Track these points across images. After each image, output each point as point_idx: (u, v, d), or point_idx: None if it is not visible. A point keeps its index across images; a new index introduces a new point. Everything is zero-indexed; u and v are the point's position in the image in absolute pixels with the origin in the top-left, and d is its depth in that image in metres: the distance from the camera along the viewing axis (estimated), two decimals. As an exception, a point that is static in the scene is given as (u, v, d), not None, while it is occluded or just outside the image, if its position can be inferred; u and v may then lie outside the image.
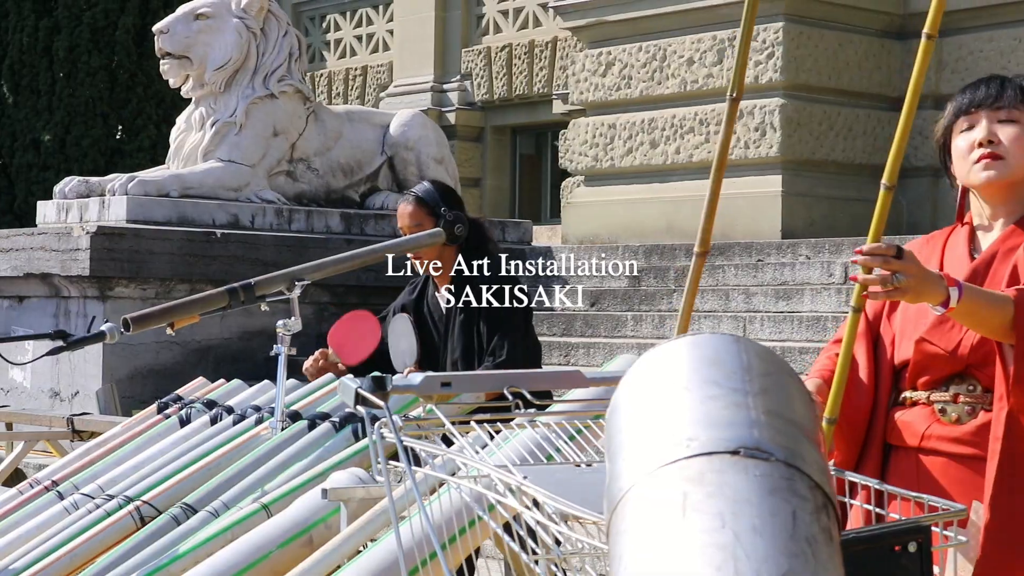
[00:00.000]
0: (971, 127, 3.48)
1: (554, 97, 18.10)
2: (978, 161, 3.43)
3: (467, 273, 5.57)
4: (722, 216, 13.40)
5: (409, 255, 5.67)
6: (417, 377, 3.19)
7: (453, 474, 3.01)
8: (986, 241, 3.48)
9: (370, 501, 4.30)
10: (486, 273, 5.60)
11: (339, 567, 3.86)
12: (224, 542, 4.40)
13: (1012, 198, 3.51)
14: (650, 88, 14.09)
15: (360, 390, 3.11)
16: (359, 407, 3.14)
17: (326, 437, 4.90)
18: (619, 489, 2.14)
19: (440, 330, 5.62)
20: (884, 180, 2.94)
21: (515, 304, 5.57)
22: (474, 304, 5.50)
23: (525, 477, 2.92)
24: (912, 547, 2.56)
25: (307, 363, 5.41)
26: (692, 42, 13.74)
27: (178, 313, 4.98)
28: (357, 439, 4.89)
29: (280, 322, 5.12)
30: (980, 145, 3.46)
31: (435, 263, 5.62)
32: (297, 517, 4.27)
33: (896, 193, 11.04)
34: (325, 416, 5.04)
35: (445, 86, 19.80)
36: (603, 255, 11.94)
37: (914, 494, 2.54)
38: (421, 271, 5.71)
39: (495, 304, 5.46)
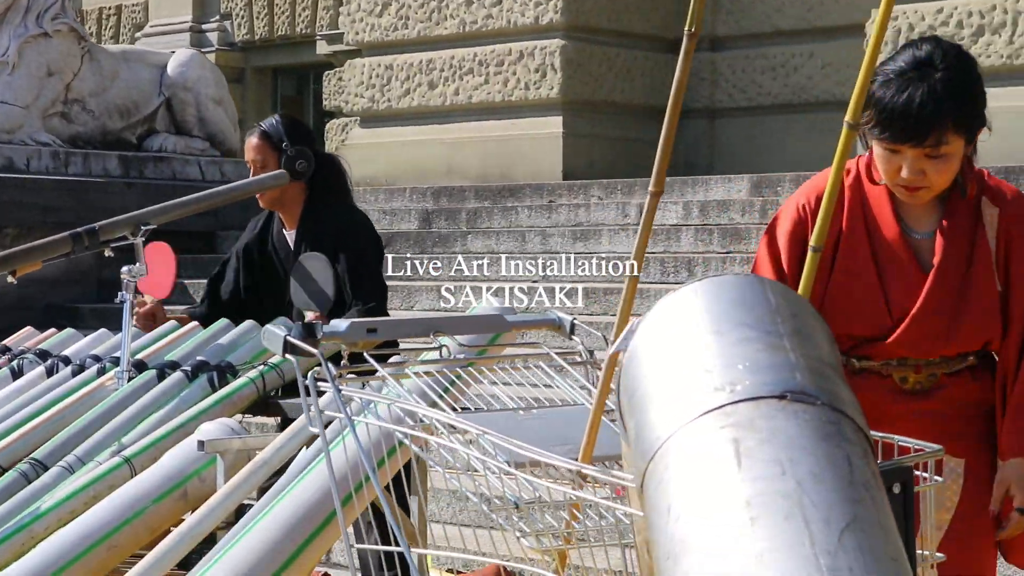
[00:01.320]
0: (896, 154, 3.35)
1: (318, 38, 17.84)
2: (903, 187, 3.36)
3: (317, 211, 5.41)
4: (504, 157, 13.39)
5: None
6: (343, 324, 3.06)
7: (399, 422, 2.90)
8: (917, 221, 3.45)
9: (246, 452, 4.16)
10: (337, 211, 5.45)
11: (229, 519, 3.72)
12: (88, 498, 4.21)
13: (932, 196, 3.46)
14: (428, 29, 13.97)
15: (290, 338, 2.98)
16: (288, 355, 3.00)
17: (178, 387, 4.72)
18: (655, 438, 2.07)
19: (287, 269, 5.45)
20: (847, 118, 2.89)
21: (369, 243, 5.44)
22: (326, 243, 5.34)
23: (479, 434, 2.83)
24: (896, 488, 2.53)
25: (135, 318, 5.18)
26: (472, -18, 13.66)
27: (19, 260, 4.75)
28: (213, 388, 4.72)
29: (124, 268, 4.93)
30: (905, 179, 3.37)
31: (280, 200, 5.45)
32: (170, 471, 4.10)
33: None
34: (174, 365, 4.85)
35: (204, 26, 19.39)
36: (389, 197, 11.81)
37: (897, 437, 2.52)
38: (262, 206, 5.52)
39: (348, 244, 5.32)
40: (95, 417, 4.66)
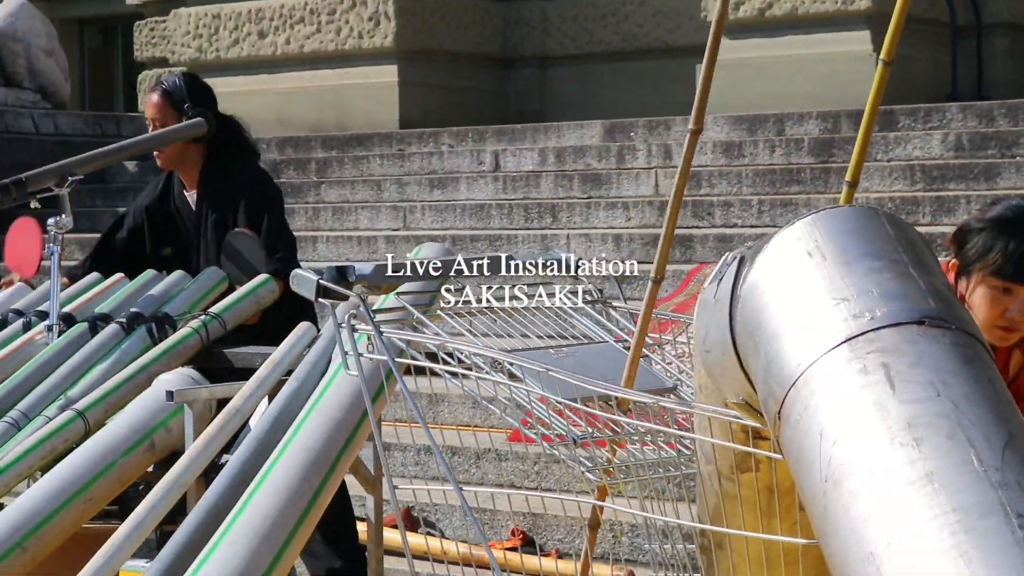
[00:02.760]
0: (1008, 293, 3.32)
1: (127, -13, 17.50)
2: (1002, 328, 3.33)
3: (215, 172, 5.37)
4: (338, 107, 13.30)
5: (155, 152, 5.43)
6: (368, 267, 3.07)
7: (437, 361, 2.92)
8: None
9: (211, 401, 4.15)
10: (237, 171, 5.41)
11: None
12: (44, 452, 4.15)
13: None
14: (256, -23, 13.82)
15: (323, 282, 2.99)
16: (321, 299, 3.01)
17: (115, 339, 4.66)
18: (795, 366, 2.14)
19: (189, 229, 5.40)
20: (882, 56, 2.96)
21: (275, 199, 5.42)
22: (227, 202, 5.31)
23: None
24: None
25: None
26: (300, -69, 13.53)
27: (-53, 213, 4.64)
28: (153, 339, 4.67)
29: (51, 220, 4.84)
30: (1009, 320, 3.35)
31: (179, 161, 5.39)
32: (136, 422, 4.07)
33: (503, 83, 11.16)
34: (105, 317, 4.79)
35: (7, -24, 18.87)
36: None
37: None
38: (160, 166, 5.46)
39: (254, 203, 5.29)
40: (31, 371, 4.58)
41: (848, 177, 2.90)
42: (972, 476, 1.92)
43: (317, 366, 4.20)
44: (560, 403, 2.71)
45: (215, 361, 4.63)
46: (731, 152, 9.34)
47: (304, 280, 3.03)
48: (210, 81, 14.25)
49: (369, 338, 2.98)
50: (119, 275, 5.15)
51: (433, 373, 2.94)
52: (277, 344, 4.60)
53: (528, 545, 6.15)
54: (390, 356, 2.90)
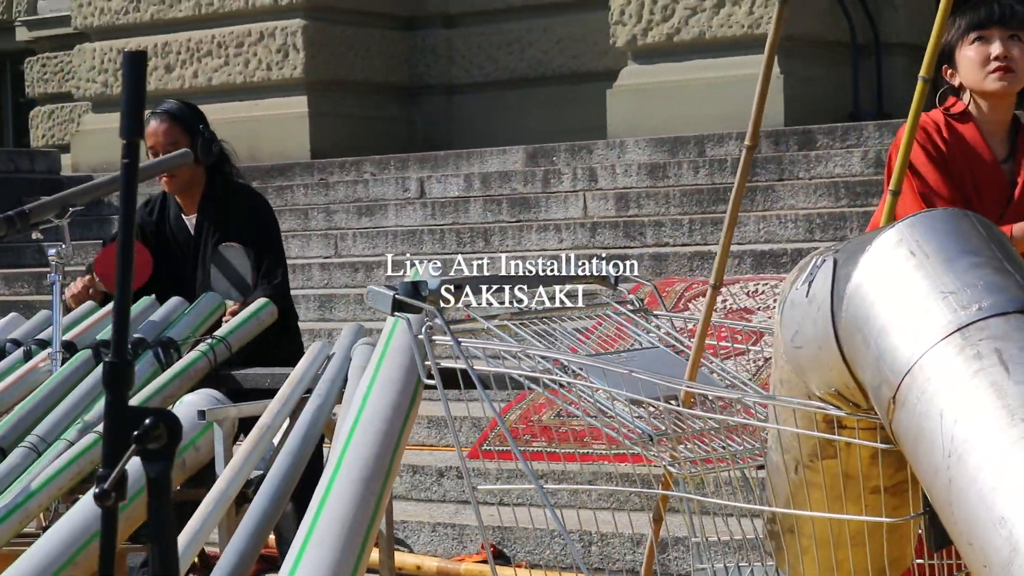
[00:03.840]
0: (985, 41, 4.02)
1: (17, 24, 17.45)
2: (994, 71, 4.00)
3: (216, 196, 5.51)
4: (248, 138, 13.46)
5: (164, 178, 5.53)
6: (436, 282, 3.25)
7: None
8: (998, 144, 3.96)
9: (236, 420, 4.30)
10: (239, 195, 5.55)
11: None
12: (73, 475, 4.29)
13: (1010, 104, 4.14)
14: (161, 11, 13.89)
15: (399, 296, 3.16)
16: (397, 313, 3.18)
17: (123, 364, 4.78)
18: (909, 356, 2.35)
19: (187, 252, 5.52)
20: (922, 73, 3.19)
21: (274, 225, 5.56)
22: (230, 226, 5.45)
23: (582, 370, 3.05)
24: None
25: (73, 290, 5.22)
26: (204, -37, 13.63)
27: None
28: (161, 364, 4.81)
29: (52, 250, 4.95)
30: (995, 59, 4.04)
31: (187, 185, 5.52)
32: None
33: (410, 112, 11.30)
34: (107, 344, 4.91)
35: None
36: (151, 181, 11.73)
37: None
38: (168, 191, 5.57)
39: (256, 227, 5.43)
40: (41, 398, 4.70)
41: (892, 187, 3.13)
42: (1087, 447, 2.14)
43: (335, 383, 4.38)
44: (646, 402, 2.91)
45: (223, 383, 4.78)
46: (656, 174, 9.60)
47: (380, 296, 3.20)
48: (117, 116, 14.38)
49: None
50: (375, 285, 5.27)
51: (499, 382, 3.12)
52: (268, 364, 4.78)
53: (499, 558, 6.32)
54: (468, 364, 3.07)
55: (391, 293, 3.19)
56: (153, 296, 5.17)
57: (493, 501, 6.82)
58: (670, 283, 7.73)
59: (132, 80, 1.62)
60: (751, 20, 11.28)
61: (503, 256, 8.88)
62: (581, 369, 3.06)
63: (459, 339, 3.11)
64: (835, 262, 2.56)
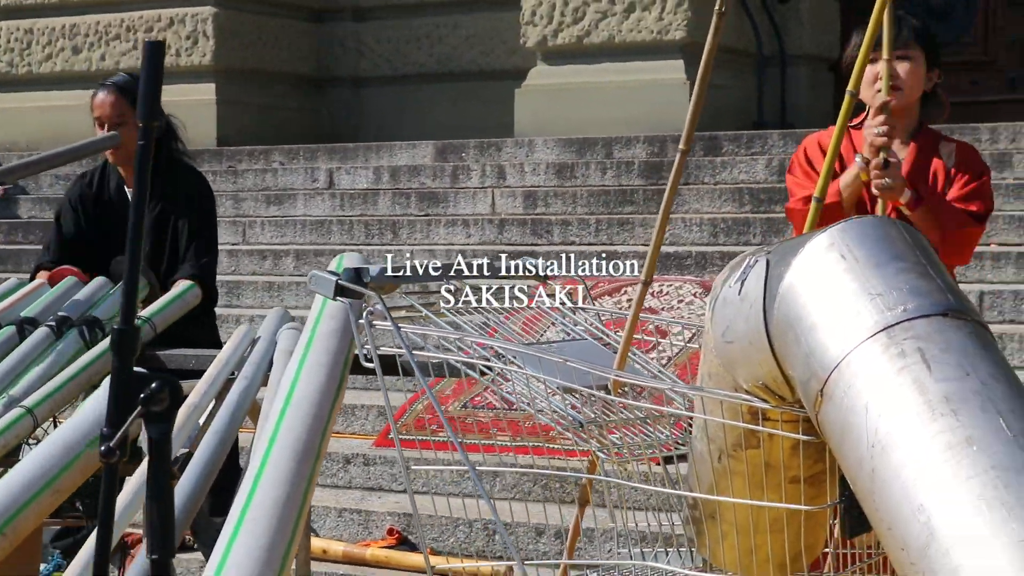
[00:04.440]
0: (875, 61, 4.18)
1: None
2: (880, 91, 4.09)
3: (160, 168, 5.57)
4: (159, 123, 13.38)
5: (109, 150, 5.59)
6: (375, 268, 3.36)
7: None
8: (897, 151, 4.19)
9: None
10: (182, 172, 5.63)
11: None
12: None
13: (906, 116, 4.32)
14: (71, -8, 13.86)
15: (341, 282, 3.27)
16: (339, 298, 3.29)
17: (47, 341, 4.86)
18: (837, 352, 2.51)
19: (124, 222, 5.57)
20: (849, 88, 3.35)
21: (212, 206, 5.64)
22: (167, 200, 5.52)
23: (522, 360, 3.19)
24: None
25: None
26: (117, -55, 13.62)
27: None
28: (85, 342, 4.88)
29: (-22, 226, 5.00)
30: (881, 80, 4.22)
31: (131, 157, 5.58)
32: (96, 417, 4.24)
33: (317, 103, 11.37)
34: (32, 321, 4.98)
35: None
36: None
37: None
38: (112, 161, 5.62)
39: (195, 205, 5.51)
40: (-38, 373, 4.75)
41: (816, 194, 3.30)
42: (1005, 440, 2.30)
43: (261, 366, 4.48)
44: (577, 390, 3.04)
45: (148, 363, 4.86)
46: (563, 173, 9.75)
47: (323, 280, 3.31)
48: (22, 95, 14.27)
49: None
50: (39, 281, 5.34)
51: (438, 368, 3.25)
52: (185, 344, 4.87)
53: (404, 543, 6.44)
54: (408, 350, 3.19)
55: (334, 278, 3.30)
56: (75, 278, 5.23)
57: (399, 488, 6.95)
58: (574, 282, 7.86)
59: (149, 68, 1.73)
60: (660, 26, 11.47)
61: (410, 249, 9.00)
62: (515, 357, 3.19)
63: (399, 325, 3.22)
64: (767, 263, 2.71)
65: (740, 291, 2.76)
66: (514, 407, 6.56)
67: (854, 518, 2.86)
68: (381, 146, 10.90)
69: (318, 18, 14.21)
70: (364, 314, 3.25)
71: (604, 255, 8.36)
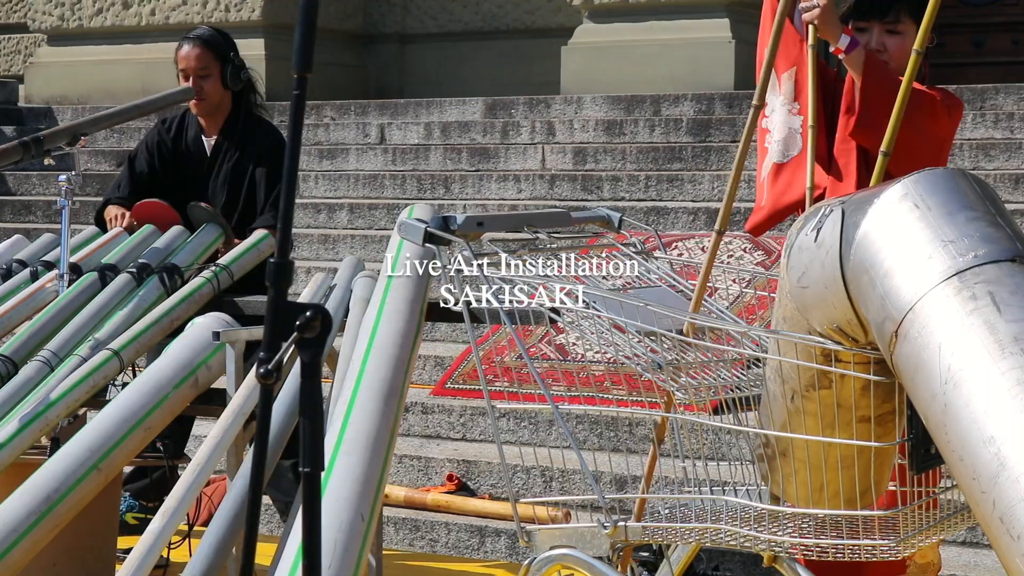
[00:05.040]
0: (864, 32, 4.28)
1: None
2: None
3: (238, 123, 5.75)
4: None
5: (193, 100, 5.76)
6: (461, 217, 3.53)
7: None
8: None
9: (253, 342, 4.57)
10: (261, 127, 5.80)
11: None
12: (88, 388, 4.55)
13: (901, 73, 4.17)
14: (121, -51, 14.01)
15: (430, 229, 3.45)
16: (428, 244, 3.47)
17: (128, 287, 5.05)
18: (912, 295, 2.69)
19: (201, 172, 5.75)
20: (915, 47, 3.48)
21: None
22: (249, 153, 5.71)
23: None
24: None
25: (113, 219, 5.50)
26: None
27: (-28, 166, 4.97)
28: (166, 288, 5.07)
29: (62, 176, 5.18)
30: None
31: (216, 107, 5.76)
32: (183, 360, 4.47)
33: (363, 59, 11.48)
34: (112, 268, 5.17)
35: None
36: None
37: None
38: (195, 112, 5.79)
39: (272, 160, 5.69)
40: (51, 315, 4.95)
41: (883, 148, 3.46)
42: (1071, 377, 2.47)
43: (338, 313, 4.67)
44: (659, 333, 3.22)
45: (225, 309, 5.04)
46: (612, 130, 9.90)
47: (412, 227, 3.49)
48: (72, 49, 14.49)
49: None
50: (118, 229, 5.53)
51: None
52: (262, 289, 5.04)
53: (462, 489, 6.62)
54: (493, 293, 3.37)
55: (423, 226, 3.48)
56: (152, 227, 5.43)
57: (456, 436, 7.14)
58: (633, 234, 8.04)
59: (305, 19, 1.90)
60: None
61: (463, 204, 9.17)
62: (595, 302, 3.37)
63: (485, 272, 3.40)
64: (843, 212, 2.88)
65: (816, 238, 2.93)
66: (569, 357, 6.74)
67: (921, 455, 3.04)
68: (431, 102, 11.06)
69: (362, -25, 14.36)
70: (453, 260, 3.42)
71: (655, 211, 8.53)
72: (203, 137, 5.80)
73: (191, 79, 5.70)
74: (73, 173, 5.18)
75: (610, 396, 5.44)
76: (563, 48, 12.23)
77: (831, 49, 4.28)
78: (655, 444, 3.59)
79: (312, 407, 1.80)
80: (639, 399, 3.77)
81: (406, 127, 10.55)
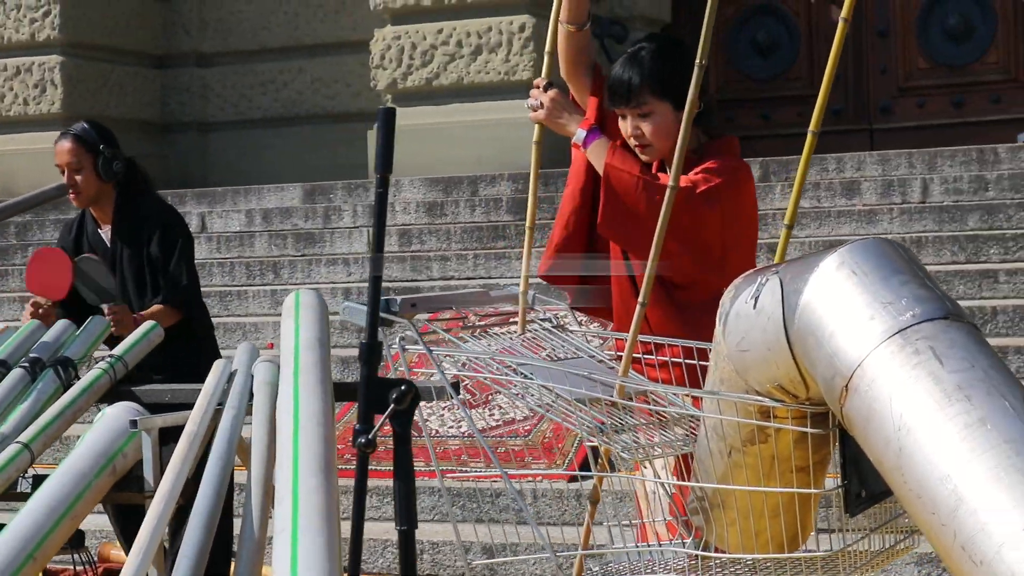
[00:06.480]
0: (624, 119, 4.31)
1: None
2: (635, 147, 4.31)
3: (128, 208, 5.91)
4: (4, 173, 13.45)
5: (69, 193, 5.90)
6: (398, 299, 3.77)
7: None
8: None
9: (166, 428, 4.72)
10: (149, 207, 5.96)
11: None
12: (3, 481, 4.64)
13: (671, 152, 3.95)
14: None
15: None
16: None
17: (22, 381, 5.15)
18: (857, 354, 3.00)
19: (105, 262, 5.91)
20: (811, 127, 3.78)
21: (183, 236, 5.98)
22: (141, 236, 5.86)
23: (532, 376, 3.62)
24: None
25: (27, 317, 5.60)
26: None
27: None
28: (62, 381, 5.18)
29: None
30: (631, 137, 4.31)
31: (95, 199, 5.90)
32: (100, 449, 4.60)
33: (163, 148, 11.61)
34: (1, 363, 5.27)
35: None
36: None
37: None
38: (76, 205, 5.94)
39: (165, 237, 5.85)
40: (-54, 414, 5.03)
41: (786, 221, 3.79)
42: (1013, 418, 2.80)
43: (243, 396, 4.84)
44: (600, 399, 3.49)
45: (122, 398, 5.18)
46: (434, 211, 10.19)
47: (355, 311, 3.70)
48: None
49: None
50: (2, 326, 5.63)
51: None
52: (177, 372, 5.21)
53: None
54: (440, 371, 3.61)
55: (365, 308, 3.70)
56: (38, 322, 5.54)
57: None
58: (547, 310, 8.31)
59: (384, 130, 2.13)
60: (507, 67, 11.96)
61: (295, 288, 9.34)
62: (533, 373, 3.63)
63: (430, 348, 3.64)
64: (780, 281, 3.19)
65: (755, 306, 3.23)
66: (484, 432, 6.97)
67: (854, 499, 3.36)
68: (249, 189, 11.23)
69: (161, 64, 14.46)
70: (398, 340, 3.65)
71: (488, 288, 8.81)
72: (99, 231, 5.95)
73: (66, 174, 5.86)
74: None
75: (529, 471, 5.69)
76: (369, 132, 12.50)
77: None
78: (592, 505, 3.84)
79: (405, 472, 2.02)
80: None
81: (227, 215, 10.69)
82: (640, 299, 3.77)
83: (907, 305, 2.99)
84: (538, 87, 4.42)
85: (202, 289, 9.59)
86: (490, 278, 9.14)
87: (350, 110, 13.67)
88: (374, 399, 2.02)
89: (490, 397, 7.67)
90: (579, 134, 4.33)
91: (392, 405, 2.00)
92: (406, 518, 2.05)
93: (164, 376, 5.52)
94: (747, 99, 12.94)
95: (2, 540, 4.19)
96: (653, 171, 4.37)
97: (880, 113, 12.58)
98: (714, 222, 4.26)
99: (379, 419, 2.08)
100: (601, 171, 4.27)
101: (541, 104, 4.37)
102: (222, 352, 6.02)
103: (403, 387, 2.01)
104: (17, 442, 4.78)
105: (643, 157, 4.36)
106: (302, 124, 14.00)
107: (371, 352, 2.01)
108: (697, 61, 3.57)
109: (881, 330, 2.97)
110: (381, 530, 6.61)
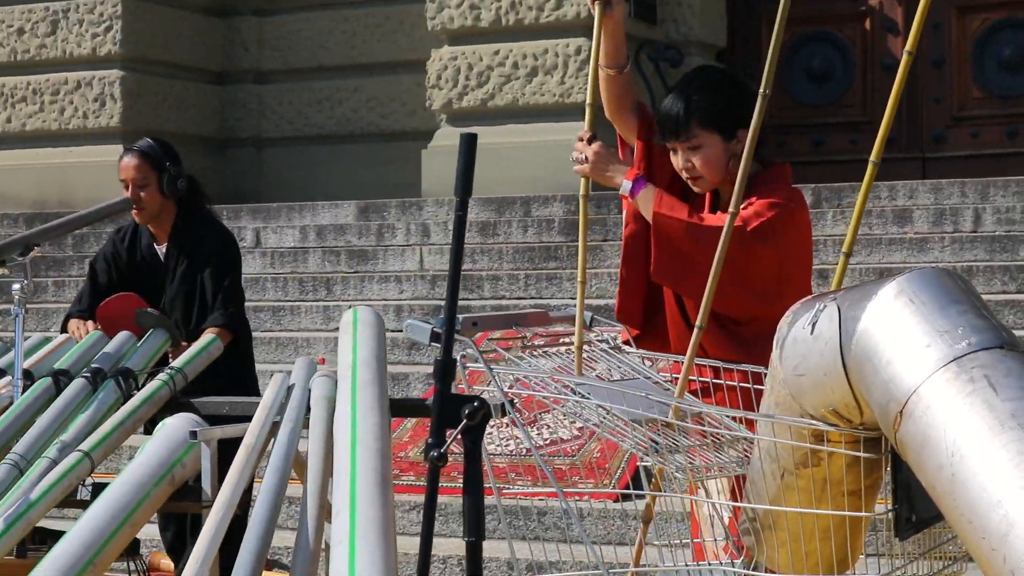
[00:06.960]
0: (675, 153, 4.34)
1: None
2: (687, 179, 4.35)
3: (187, 227, 6.00)
4: (63, 185, 13.61)
5: (133, 209, 6.00)
6: (459, 318, 3.84)
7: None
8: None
9: (225, 440, 4.80)
10: (208, 227, 6.05)
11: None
12: (64, 488, 4.74)
13: (722, 183, 4.34)
14: (-24, 57, 14.10)
15: (437, 329, 3.74)
16: (433, 343, 3.76)
17: (84, 391, 5.25)
18: (913, 381, 3.05)
19: (156, 278, 6.00)
20: (872, 158, 3.83)
21: (237, 259, 6.07)
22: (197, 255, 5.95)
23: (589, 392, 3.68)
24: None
25: (75, 331, 5.69)
26: (22, 12, 13.89)
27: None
28: (122, 391, 5.28)
29: (15, 285, 5.38)
30: (682, 171, 4.35)
31: (157, 216, 6.00)
32: (160, 459, 4.69)
33: (220, 164, 11.80)
34: (65, 373, 5.37)
35: None
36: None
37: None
38: (139, 222, 6.03)
39: (220, 258, 5.94)
40: (12, 419, 5.13)
41: (844, 249, 3.84)
42: (1063, 449, 2.85)
43: (301, 410, 4.92)
44: (656, 420, 3.55)
45: (181, 409, 5.27)
46: (486, 231, 10.26)
47: (419, 328, 3.78)
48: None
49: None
50: (65, 335, 5.73)
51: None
52: (227, 387, 5.30)
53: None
54: (500, 388, 3.67)
55: (429, 327, 3.77)
56: (100, 333, 5.64)
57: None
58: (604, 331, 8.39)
59: (465, 154, 2.20)
60: (562, 89, 12.04)
61: (348, 304, 9.44)
62: (590, 393, 3.69)
63: (490, 366, 3.70)
64: (839, 308, 3.24)
65: (812, 331, 3.28)
66: (530, 452, 7.02)
67: (904, 523, 3.41)
68: (303, 206, 11.33)
69: (220, 80, 14.61)
70: (458, 357, 3.71)
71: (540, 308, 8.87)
72: (155, 245, 6.04)
73: (130, 189, 5.95)
74: (25, 281, 5.37)
75: (576, 489, 5.74)
76: (423, 151, 12.58)
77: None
78: (643, 524, 3.90)
79: (475, 485, 2.08)
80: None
81: (281, 230, 10.80)
82: (697, 323, 3.83)
83: (963, 334, 3.03)
84: (582, 140, 4.44)
85: (255, 304, 9.73)
86: (541, 299, 9.20)
87: (405, 129, 13.77)
88: (447, 414, 2.08)
89: (538, 416, 7.76)
90: (625, 185, 4.36)
91: (464, 420, 2.06)
92: (475, 530, 2.12)
93: (210, 387, 5.60)
94: (800, 125, 12.97)
95: (64, 546, 4.29)
96: (705, 203, 4.41)
97: (933, 142, 12.59)
98: (769, 258, 4.26)
99: (451, 433, 2.14)
100: (650, 219, 4.29)
101: (586, 158, 4.39)
102: (275, 367, 6.12)
103: (475, 403, 2.08)
104: (78, 450, 4.87)
105: (696, 189, 4.40)
106: (357, 142, 14.10)
107: (445, 369, 2.07)
108: (761, 91, 3.62)
109: (937, 358, 3.02)
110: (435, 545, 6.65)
